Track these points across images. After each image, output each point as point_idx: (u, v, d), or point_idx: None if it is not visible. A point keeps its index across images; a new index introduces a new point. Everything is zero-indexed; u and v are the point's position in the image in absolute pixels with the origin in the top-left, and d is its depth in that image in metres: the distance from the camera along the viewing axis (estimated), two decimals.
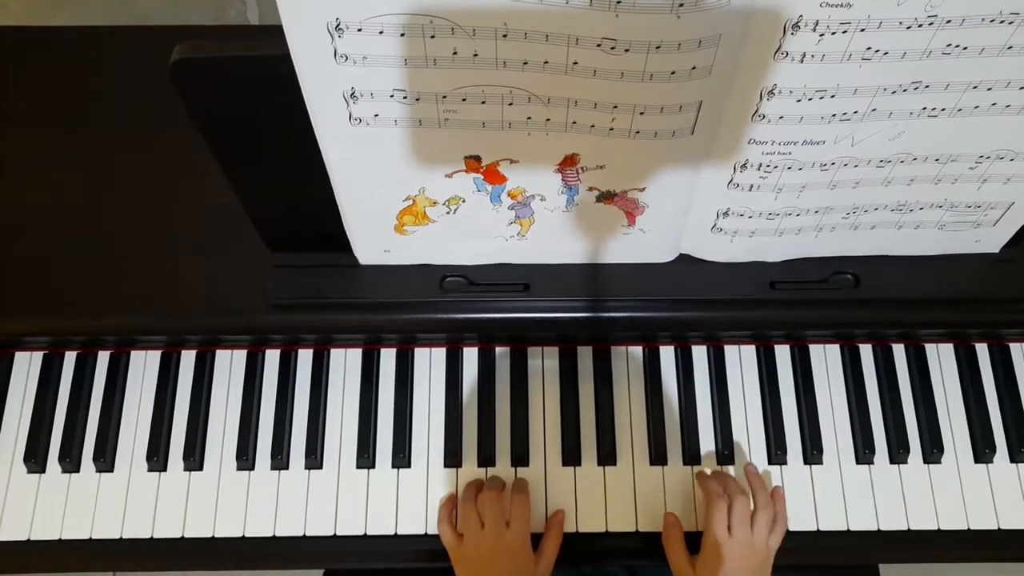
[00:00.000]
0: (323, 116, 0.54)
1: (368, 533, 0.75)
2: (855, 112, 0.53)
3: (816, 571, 0.84)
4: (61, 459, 0.77)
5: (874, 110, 0.53)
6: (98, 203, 0.76)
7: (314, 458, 0.76)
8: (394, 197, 0.62)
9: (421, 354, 0.80)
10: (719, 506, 0.70)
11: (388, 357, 0.80)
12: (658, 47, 0.46)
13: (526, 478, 0.76)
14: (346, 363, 0.80)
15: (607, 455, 0.77)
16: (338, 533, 0.75)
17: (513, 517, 0.70)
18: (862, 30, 0.47)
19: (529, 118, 0.53)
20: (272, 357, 0.80)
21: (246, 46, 0.51)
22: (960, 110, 0.54)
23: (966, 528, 0.75)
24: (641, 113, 0.52)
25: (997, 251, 0.71)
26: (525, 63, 0.49)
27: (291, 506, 0.76)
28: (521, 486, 0.74)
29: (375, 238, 0.67)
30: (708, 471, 0.76)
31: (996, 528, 0.75)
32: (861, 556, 0.77)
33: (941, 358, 0.80)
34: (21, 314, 0.74)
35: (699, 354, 0.80)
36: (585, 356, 0.80)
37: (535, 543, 0.71)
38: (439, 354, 0.80)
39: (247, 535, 0.75)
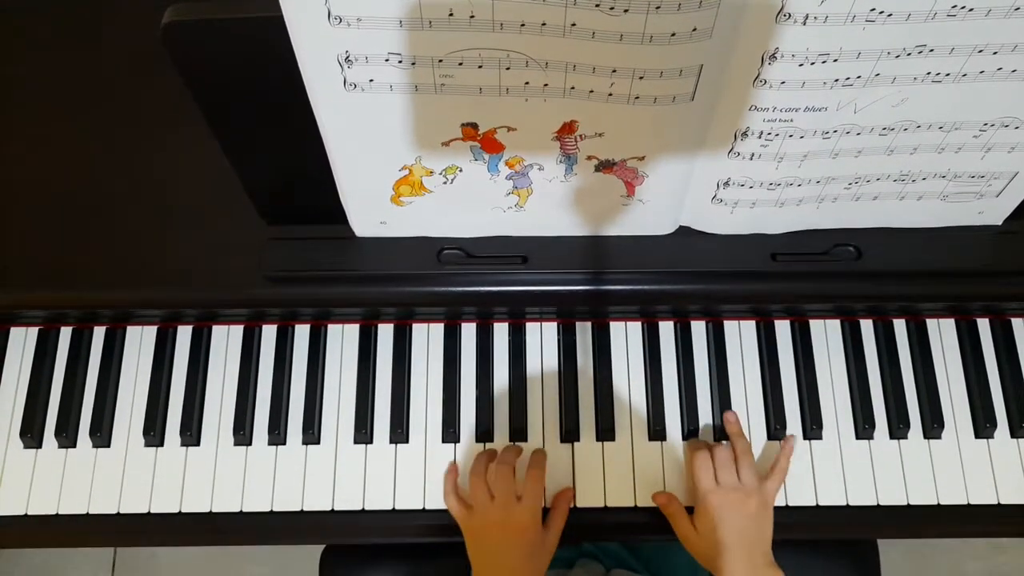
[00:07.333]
0: (317, 81, 0.53)
1: (366, 508, 0.75)
2: (858, 77, 0.53)
3: (814, 546, 0.84)
4: (57, 434, 0.76)
5: (877, 75, 0.52)
6: (91, 176, 0.75)
7: (311, 433, 0.76)
8: (390, 166, 0.61)
9: (419, 330, 0.80)
10: (701, 456, 0.71)
11: (386, 333, 0.80)
12: (658, 7, 0.45)
13: (544, 453, 0.75)
14: (343, 339, 0.80)
15: (606, 431, 0.76)
16: (336, 508, 0.75)
17: (526, 492, 0.69)
18: None
19: (527, 83, 0.53)
20: (269, 333, 0.80)
21: (240, 8, 0.50)
22: (965, 75, 0.53)
23: (966, 503, 0.75)
24: (640, 77, 0.51)
25: (1000, 223, 0.70)
26: (523, 25, 0.48)
27: (289, 481, 0.75)
28: (538, 461, 0.73)
29: (371, 209, 0.67)
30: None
31: (996, 503, 0.75)
32: (860, 531, 0.77)
33: (942, 333, 0.79)
34: (15, 288, 0.73)
35: (698, 329, 0.80)
36: (584, 331, 0.80)
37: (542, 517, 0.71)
38: (437, 330, 0.80)
39: (245, 510, 0.75)
